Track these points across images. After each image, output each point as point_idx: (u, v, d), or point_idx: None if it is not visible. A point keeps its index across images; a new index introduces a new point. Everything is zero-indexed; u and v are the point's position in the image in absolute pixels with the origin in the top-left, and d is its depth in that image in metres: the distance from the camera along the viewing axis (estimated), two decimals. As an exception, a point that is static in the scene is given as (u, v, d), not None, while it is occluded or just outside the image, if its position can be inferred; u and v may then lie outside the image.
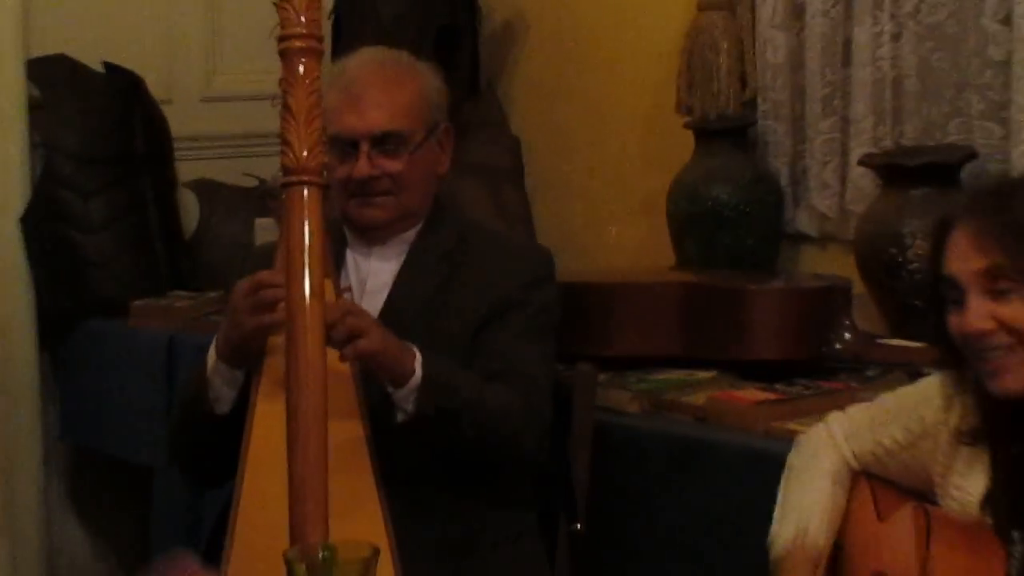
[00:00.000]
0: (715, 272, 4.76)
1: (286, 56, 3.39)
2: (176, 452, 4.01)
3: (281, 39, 3.37)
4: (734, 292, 4.55)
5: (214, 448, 3.72)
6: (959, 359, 3.01)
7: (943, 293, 2.96)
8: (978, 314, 2.86)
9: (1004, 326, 2.85)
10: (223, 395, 3.64)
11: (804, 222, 4.96)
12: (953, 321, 2.91)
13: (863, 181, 4.71)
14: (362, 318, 3.53)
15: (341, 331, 3.39)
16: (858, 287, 4.57)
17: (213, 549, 3.64)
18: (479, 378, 3.71)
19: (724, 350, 4.47)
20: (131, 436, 4.89)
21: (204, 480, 4.05)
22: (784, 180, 4.95)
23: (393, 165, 3.84)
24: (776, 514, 3.28)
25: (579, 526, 4.08)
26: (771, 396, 4.18)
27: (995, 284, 2.85)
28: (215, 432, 3.67)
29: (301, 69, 3.39)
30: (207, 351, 3.69)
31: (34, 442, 5.36)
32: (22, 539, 5.35)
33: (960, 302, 2.89)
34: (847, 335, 4.45)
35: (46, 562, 5.41)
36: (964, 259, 2.90)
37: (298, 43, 3.38)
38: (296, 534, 3.24)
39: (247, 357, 3.58)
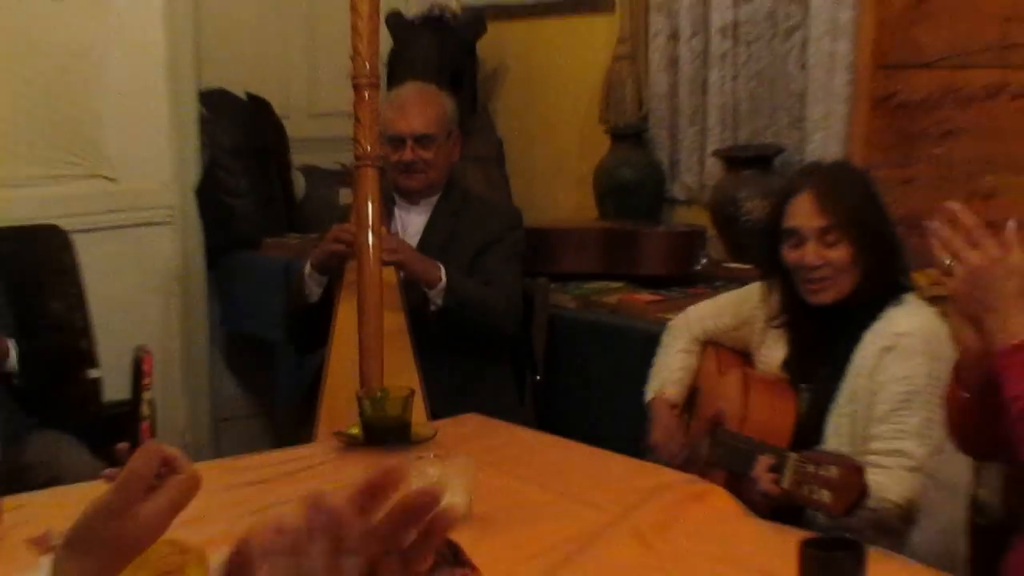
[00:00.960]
0: (623, 221, 4.77)
1: (357, 89, 3.46)
2: (289, 326, 4.09)
3: (354, 78, 3.43)
4: (635, 233, 4.59)
5: (308, 325, 3.81)
6: (776, 274, 3.02)
7: (780, 234, 2.95)
8: (815, 255, 2.87)
9: (829, 263, 2.87)
10: (313, 290, 3.74)
11: (677, 191, 4.95)
12: (792, 255, 2.90)
13: (714, 166, 4.72)
14: (402, 243, 3.64)
15: (385, 250, 3.48)
16: (710, 231, 4.59)
17: (312, 394, 3.69)
18: (479, 284, 3.79)
19: (629, 269, 4.50)
20: (265, 323, 4.89)
21: (305, 348, 4.09)
22: (665, 165, 4.94)
23: (426, 154, 3.90)
24: (650, 375, 3.32)
25: (538, 377, 4.14)
26: (657, 297, 4.22)
27: (826, 236, 2.86)
28: (308, 313, 3.78)
29: (366, 96, 3.45)
30: (306, 264, 3.78)
31: (204, 328, 5.36)
32: (197, 396, 5.35)
33: (799, 244, 2.90)
34: (703, 260, 4.49)
35: (213, 412, 5.41)
36: (807, 217, 2.89)
37: (363, 80, 3.45)
38: (363, 381, 3.31)
39: (328, 268, 3.69)
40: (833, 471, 2.38)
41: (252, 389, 5.52)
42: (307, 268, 3.77)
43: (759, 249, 3.19)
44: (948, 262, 2.26)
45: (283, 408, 4.95)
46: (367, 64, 3.43)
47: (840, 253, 2.87)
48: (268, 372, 5.24)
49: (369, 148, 3.48)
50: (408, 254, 3.66)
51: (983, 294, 2.22)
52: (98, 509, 1.23)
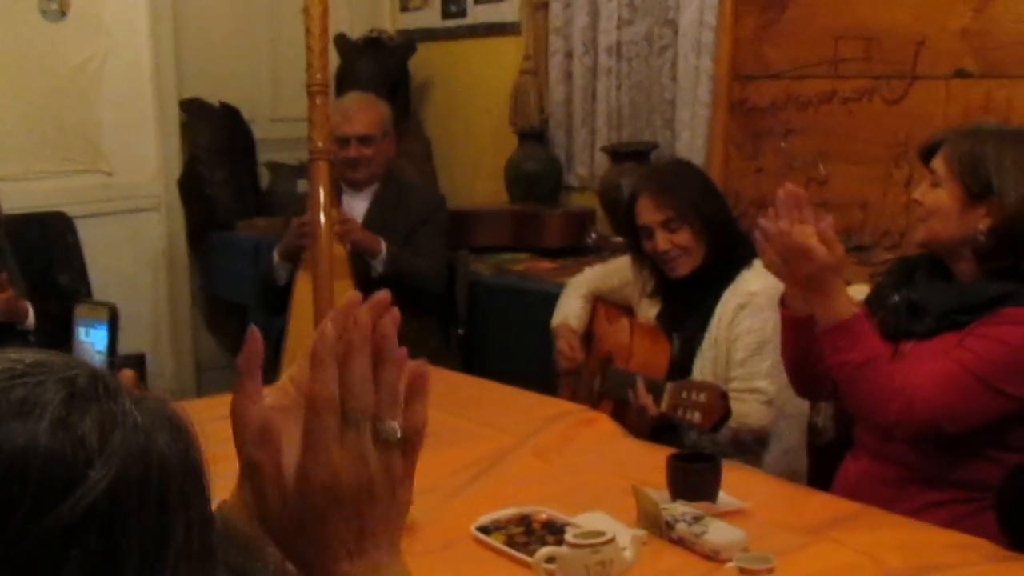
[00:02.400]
0: (528, 204, 4.76)
1: (310, 95, 3.42)
2: (259, 299, 4.05)
3: (308, 86, 3.39)
4: (538, 214, 4.59)
5: (276, 297, 3.78)
6: (643, 257, 3.02)
7: (637, 230, 2.96)
8: (663, 242, 2.89)
9: (676, 246, 2.88)
10: (280, 275, 3.72)
11: (572, 180, 4.94)
12: (647, 245, 2.93)
13: (601, 160, 4.72)
14: (355, 222, 3.62)
15: (342, 229, 3.46)
16: (599, 212, 4.60)
17: (278, 348, 3.68)
18: (412, 255, 3.78)
19: (533, 242, 4.51)
20: (239, 290, 4.86)
21: (273, 312, 4.07)
22: (562, 159, 4.93)
23: (367, 151, 3.88)
24: (554, 313, 3.31)
25: (461, 331, 4.14)
26: (556, 265, 4.23)
27: (669, 225, 2.88)
28: (276, 291, 3.75)
29: (318, 100, 3.41)
30: (274, 251, 3.78)
31: (187, 294, 5.33)
32: (182, 351, 5.31)
33: (651, 236, 2.91)
34: (593, 236, 4.50)
35: (195, 363, 5.38)
36: (649, 214, 2.91)
37: (316, 88, 3.40)
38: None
39: (293, 256, 3.64)
40: (702, 396, 2.41)
41: (228, 344, 5.49)
42: (275, 258, 3.78)
43: (624, 241, 3.20)
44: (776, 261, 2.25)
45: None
46: (319, 74, 3.39)
47: (683, 236, 2.89)
48: (241, 330, 5.21)
49: (321, 144, 3.44)
50: (359, 232, 3.67)
51: (812, 283, 2.21)
52: None
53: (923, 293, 2.31)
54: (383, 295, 0.89)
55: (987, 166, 2.21)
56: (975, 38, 3.69)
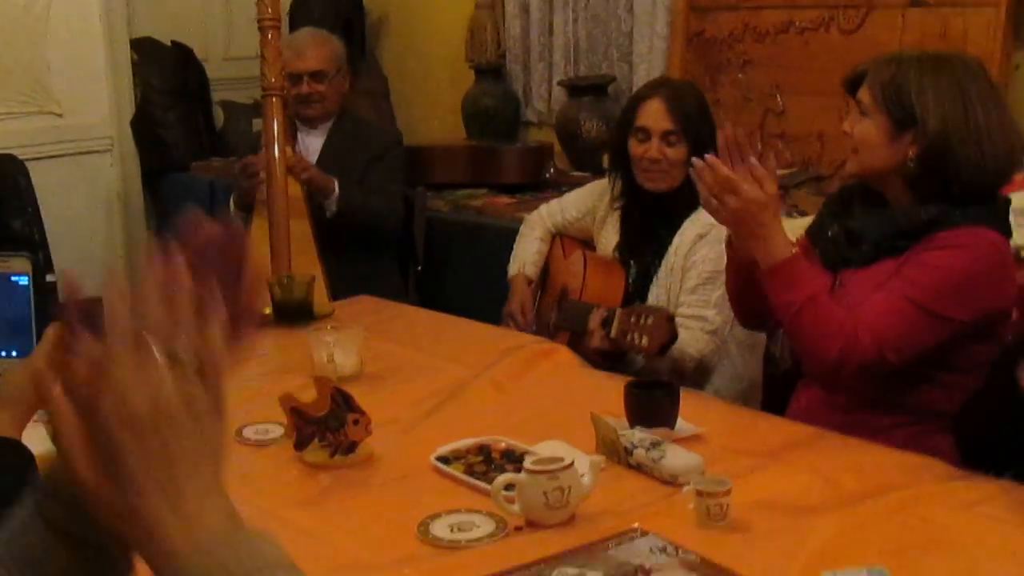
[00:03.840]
0: (485, 140, 4.75)
1: (262, 30, 3.38)
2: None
3: (259, 21, 3.36)
4: (495, 149, 4.57)
5: None
6: (621, 165, 3.02)
7: (630, 129, 2.95)
8: (658, 150, 2.89)
9: (667, 159, 2.89)
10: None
11: (530, 115, 4.95)
12: (639, 149, 2.92)
13: (559, 94, 4.72)
14: (305, 161, 3.57)
15: (296, 167, 3.43)
16: (557, 147, 4.60)
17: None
18: (366, 193, 3.75)
19: (491, 178, 4.50)
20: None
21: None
22: (520, 94, 4.94)
23: (320, 87, 3.84)
24: (511, 258, 3.32)
25: (419, 268, 4.13)
26: (514, 200, 4.22)
27: (669, 137, 2.88)
28: None
29: (270, 36, 3.38)
30: (230, 201, 3.77)
31: (143, 234, 5.29)
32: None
33: (646, 140, 2.91)
34: (551, 171, 4.49)
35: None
36: (655, 119, 2.91)
37: (267, 22, 3.37)
38: (274, 271, 3.26)
39: (248, 204, 3.66)
40: (649, 320, 2.42)
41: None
42: (231, 208, 3.74)
43: (610, 141, 3.18)
44: (709, 200, 2.27)
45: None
46: (269, 8, 3.36)
47: (677, 152, 2.90)
48: (198, 273, 5.19)
49: (273, 80, 3.41)
50: (313, 171, 3.64)
51: (746, 227, 2.23)
52: None
53: (859, 221, 2.33)
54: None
55: (909, 94, 2.22)
56: (930, -34, 3.69)
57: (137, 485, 0.79)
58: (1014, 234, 3.05)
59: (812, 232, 2.47)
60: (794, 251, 2.24)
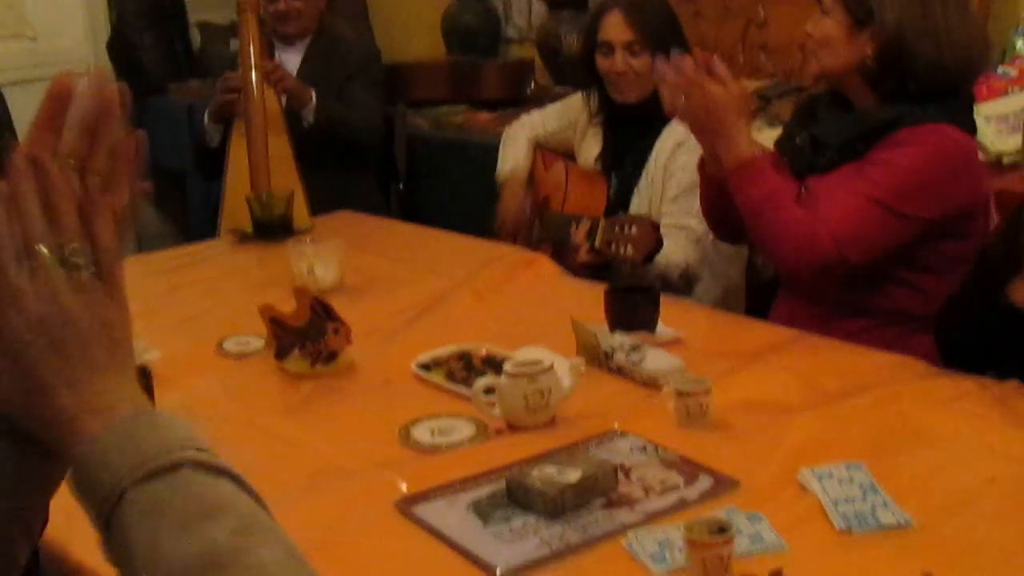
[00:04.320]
0: (467, 55, 4.71)
1: (236, -56, 3.33)
2: (195, 162, 3.97)
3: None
4: (476, 65, 4.53)
5: (211, 159, 3.71)
6: (593, 81, 3.00)
7: (595, 45, 2.94)
8: (622, 62, 2.87)
9: (632, 70, 2.87)
10: (213, 137, 3.65)
11: (511, 32, 4.89)
12: (604, 63, 2.91)
13: (539, 9, 4.66)
14: (283, 71, 3.53)
15: (274, 76, 3.39)
16: (538, 63, 4.55)
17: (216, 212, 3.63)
18: (345, 106, 3.73)
19: (472, 95, 4.47)
20: (175, 156, 4.77)
21: (210, 175, 3.99)
22: (500, 10, 4.87)
23: (297, 3, 3.79)
24: (499, 163, 3.28)
25: (401, 186, 4.11)
26: (496, 115, 4.19)
27: (632, 47, 2.86)
28: (210, 153, 3.67)
29: (244, -50, 3.33)
30: (205, 114, 3.69)
31: (123, 161, 5.22)
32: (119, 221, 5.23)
33: (610, 54, 2.89)
34: (532, 85, 4.46)
35: (135, 236, 5.29)
36: (616, 32, 2.89)
37: (241, -64, 3.31)
38: (252, 186, 3.24)
39: (223, 116, 3.58)
40: (634, 229, 2.41)
41: (168, 214, 5.42)
42: (206, 119, 3.70)
43: (579, 59, 3.16)
44: (671, 103, 2.26)
45: (195, 229, 4.88)
46: (245, -77, 3.32)
47: (641, 62, 2.88)
48: (181, 199, 5.16)
49: (249, -5, 3.38)
50: (290, 80, 3.61)
51: (710, 124, 2.22)
52: None
53: (824, 127, 2.32)
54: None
55: None
56: None
57: (47, 388, 0.80)
58: (993, 140, 3.08)
59: (780, 142, 2.47)
60: (759, 151, 2.24)
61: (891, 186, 2.16)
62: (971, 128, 2.27)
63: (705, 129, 2.24)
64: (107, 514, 0.81)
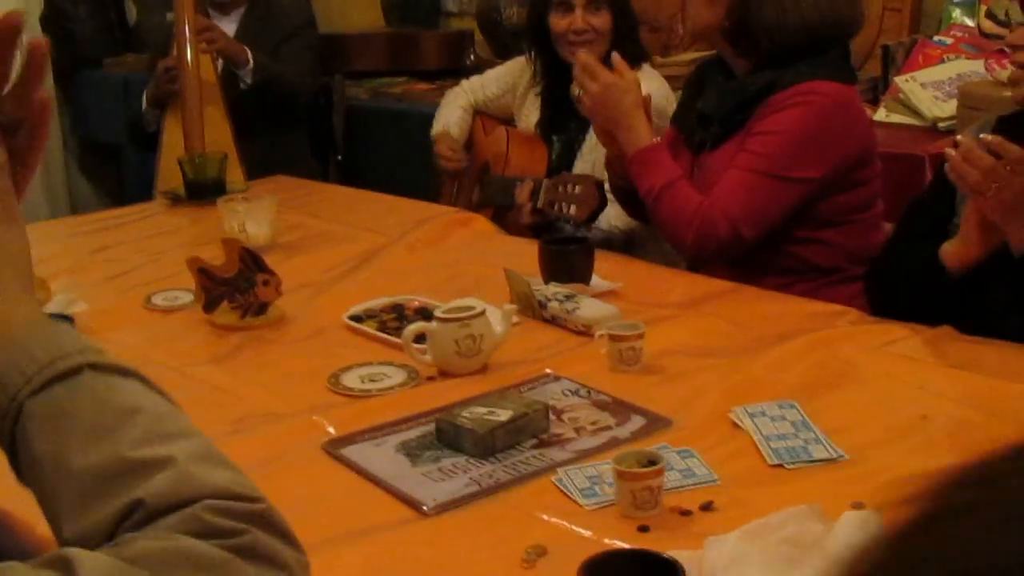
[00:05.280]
0: (406, 28, 4.66)
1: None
2: (130, 136, 3.89)
3: None
4: (415, 35, 4.50)
5: (147, 137, 3.64)
6: (541, 42, 2.97)
7: (548, 5, 2.89)
8: (582, 20, 2.84)
9: (592, 28, 2.84)
10: (150, 123, 3.61)
11: (451, 5, 4.83)
12: (561, 22, 2.87)
13: (480, -19, 4.63)
14: (217, 30, 3.47)
15: (205, 35, 3.34)
16: (478, 35, 4.51)
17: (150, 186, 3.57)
18: (280, 66, 3.68)
19: (411, 64, 4.42)
20: (111, 129, 4.70)
21: (143, 146, 3.91)
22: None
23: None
24: (433, 123, 3.25)
25: (340, 157, 4.06)
26: (434, 86, 4.15)
27: (592, 5, 2.84)
28: (147, 134, 3.59)
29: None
30: (143, 97, 3.62)
31: (57, 136, 5.14)
32: (55, 195, 5.13)
33: (568, 12, 2.85)
34: (472, 56, 4.42)
35: (69, 203, 5.23)
36: None
37: None
38: (187, 147, 3.19)
39: (162, 102, 3.51)
40: (577, 188, 2.38)
41: (103, 187, 5.34)
42: (144, 103, 3.64)
43: (528, 18, 3.12)
44: (578, 93, 2.30)
45: (130, 200, 4.80)
46: None
47: (602, 19, 2.86)
48: (116, 172, 5.09)
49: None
50: (223, 40, 3.55)
51: (610, 113, 2.24)
52: None
53: (707, 100, 2.33)
54: None
55: None
56: None
57: None
58: (929, 106, 3.10)
59: (675, 118, 2.49)
60: (656, 140, 2.26)
61: (772, 154, 2.17)
62: (848, 76, 2.27)
63: (604, 115, 2.26)
64: (8, 432, 0.77)
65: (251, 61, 3.56)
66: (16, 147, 0.85)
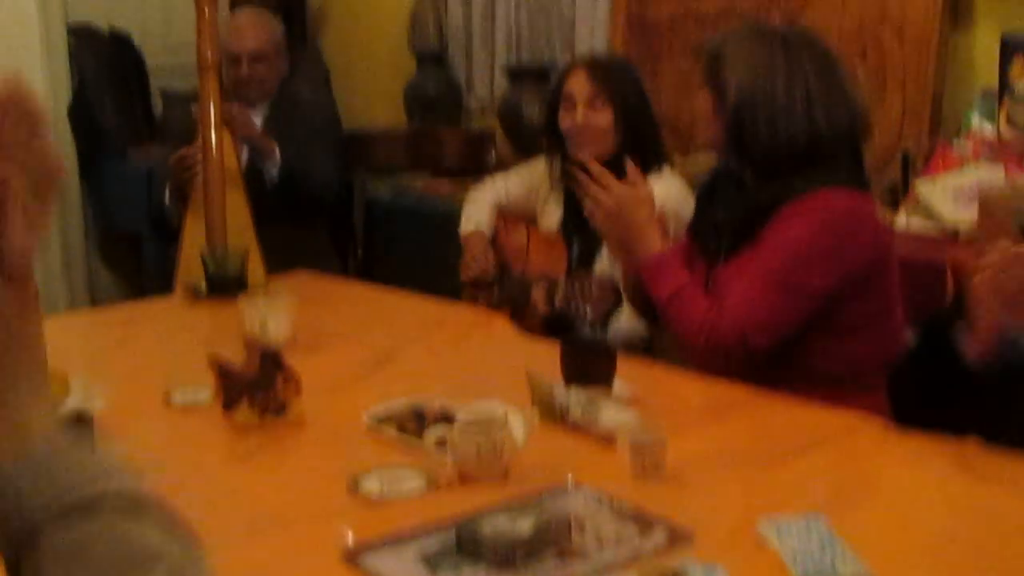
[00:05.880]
0: (428, 123, 4.70)
1: (198, 6, 3.32)
2: (152, 226, 3.91)
3: (195, -4, 3.31)
4: (438, 133, 4.54)
5: (170, 230, 3.66)
6: (556, 142, 2.99)
7: (559, 103, 2.94)
8: (583, 116, 2.88)
9: (592, 125, 2.87)
10: (174, 219, 3.60)
11: (472, 102, 4.89)
12: (566, 119, 2.91)
13: (501, 80, 4.67)
14: (247, 116, 3.51)
15: (238, 121, 3.37)
16: (499, 133, 4.55)
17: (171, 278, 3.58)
18: (307, 163, 3.72)
19: (432, 163, 4.45)
20: (133, 220, 4.73)
21: (165, 237, 3.93)
22: (462, 81, 4.88)
23: (260, 68, 3.79)
24: (462, 222, 3.25)
25: (360, 252, 4.08)
26: (454, 184, 4.17)
27: (595, 102, 2.87)
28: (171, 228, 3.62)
29: (206, 11, 3.32)
30: (165, 194, 3.67)
31: (79, 225, 5.17)
32: (75, 284, 5.14)
33: (572, 108, 2.89)
34: (493, 155, 4.45)
35: (89, 291, 5.25)
36: (579, 85, 2.92)
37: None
38: (208, 240, 3.20)
39: (184, 195, 3.52)
40: (594, 288, 2.37)
41: (124, 277, 5.35)
42: (167, 199, 3.67)
43: (543, 119, 3.16)
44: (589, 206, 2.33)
45: (151, 292, 4.81)
46: (206, -15, 3.31)
47: (603, 116, 2.89)
48: (137, 262, 5.11)
49: (210, 55, 3.35)
50: (253, 128, 3.59)
51: (623, 228, 2.28)
52: None
53: (720, 211, 2.34)
54: None
55: (721, 66, 2.24)
56: (870, -50, 3.69)
57: None
58: (950, 212, 3.09)
59: (691, 228, 2.48)
60: (669, 247, 2.29)
61: (781, 264, 2.17)
62: (859, 183, 2.27)
63: (617, 227, 2.30)
64: (15, 554, 0.74)
65: (277, 153, 3.58)
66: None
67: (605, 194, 2.25)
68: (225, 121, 3.35)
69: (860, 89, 2.33)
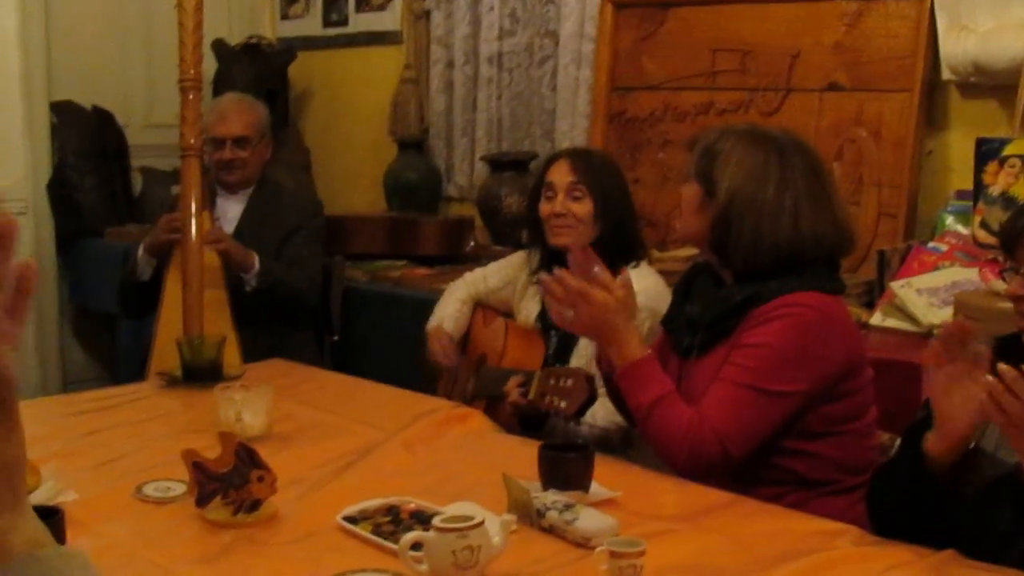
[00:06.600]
0: (407, 213, 4.72)
1: (183, 90, 3.35)
2: (121, 301, 3.89)
3: (181, 81, 3.32)
4: (415, 221, 4.54)
5: (138, 296, 3.66)
6: (538, 232, 3.00)
7: (541, 193, 2.96)
8: (562, 205, 2.89)
9: (572, 213, 2.88)
10: (144, 270, 3.58)
11: (452, 191, 4.93)
12: (546, 207, 2.93)
13: (481, 169, 4.71)
14: (223, 233, 3.50)
15: (210, 237, 3.36)
16: (478, 222, 4.57)
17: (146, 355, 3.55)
18: (286, 267, 3.69)
19: (411, 249, 4.46)
20: (108, 300, 4.69)
21: (134, 315, 3.90)
22: (442, 169, 4.92)
23: (243, 153, 3.79)
24: (431, 317, 3.26)
25: (336, 338, 4.06)
26: (433, 272, 4.18)
27: (574, 191, 2.89)
28: (139, 288, 3.61)
29: (190, 96, 3.34)
30: (140, 246, 3.64)
31: (54, 303, 5.17)
32: (48, 362, 5.14)
33: (552, 198, 2.90)
34: (472, 243, 4.46)
35: (62, 369, 5.21)
36: (560, 175, 2.95)
37: (188, 83, 3.34)
38: (184, 330, 3.18)
39: (159, 252, 3.49)
40: (569, 382, 2.37)
41: (97, 356, 5.33)
42: (140, 251, 3.64)
43: (526, 210, 3.18)
44: (569, 314, 2.27)
45: (124, 372, 4.78)
46: (192, 69, 3.33)
47: (583, 206, 2.91)
48: (111, 341, 5.09)
49: (193, 140, 3.37)
50: (229, 243, 3.56)
51: (600, 333, 2.25)
52: None
53: (695, 307, 2.34)
54: None
55: (716, 164, 2.25)
56: (847, 52, 3.75)
57: None
58: (925, 312, 3.10)
59: (665, 321, 2.49)
60: (647, 353, 2.25)
61: (757, 367, 2.16)
62: (833, 287, 2.28)
63: (595, 334, 2.28)
64: None
65: (256, 265, 3.58)
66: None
67: (582, 302, 2.22)
68: (205, 240, 3.35)
69: (846, 206, 2.34)
